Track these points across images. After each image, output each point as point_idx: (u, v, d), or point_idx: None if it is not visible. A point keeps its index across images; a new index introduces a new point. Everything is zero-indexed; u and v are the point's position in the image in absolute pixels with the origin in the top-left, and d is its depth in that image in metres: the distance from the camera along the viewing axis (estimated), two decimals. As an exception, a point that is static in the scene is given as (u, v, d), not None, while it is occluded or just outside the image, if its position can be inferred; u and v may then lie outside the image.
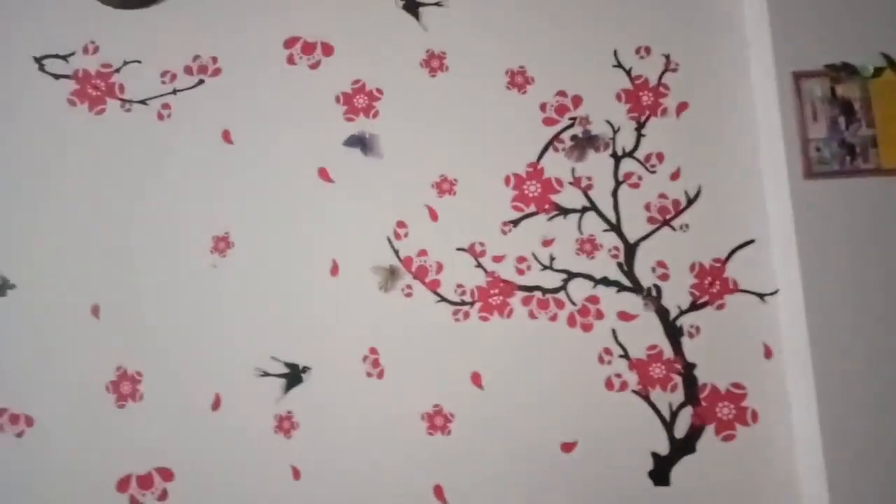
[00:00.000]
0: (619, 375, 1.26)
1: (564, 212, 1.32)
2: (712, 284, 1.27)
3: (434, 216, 1.34)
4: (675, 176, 1.31)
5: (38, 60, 1.46)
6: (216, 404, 1.33)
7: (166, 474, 1.32)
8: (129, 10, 1.45)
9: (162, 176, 1.40)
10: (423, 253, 1.33)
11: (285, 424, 1.31)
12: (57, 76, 1.45)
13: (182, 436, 1.32)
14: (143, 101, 1.43)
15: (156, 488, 1.32)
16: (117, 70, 1.44)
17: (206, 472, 1.31)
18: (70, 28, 1.46)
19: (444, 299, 1.32)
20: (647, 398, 1.25)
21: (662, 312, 1.27)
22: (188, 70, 1.43)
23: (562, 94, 1.35)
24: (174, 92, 1.42)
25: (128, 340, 1.36)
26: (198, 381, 1.33)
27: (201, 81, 1.42)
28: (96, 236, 1.40)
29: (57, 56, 1.45)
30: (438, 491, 1.26)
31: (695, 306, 1.27)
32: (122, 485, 1.32)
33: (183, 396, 1.33)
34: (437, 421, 1.28)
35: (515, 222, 1.33)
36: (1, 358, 1.38)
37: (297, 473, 1.29)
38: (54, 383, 1.37)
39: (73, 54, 1.45)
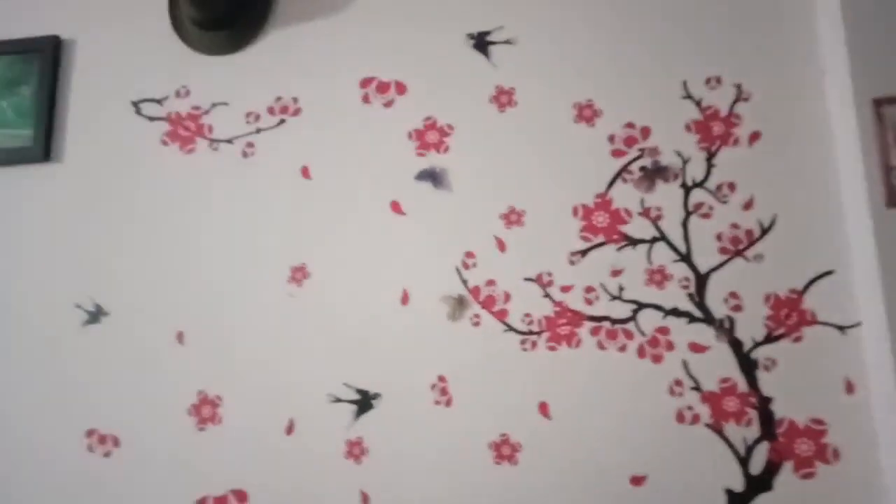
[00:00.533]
0: (690, 408, 1.23)
1: (633, 242, 1.32)
2: (789, 316, 1.23)
3: (502, 247, 1.36)
4: (747, 206, 1.29)
5: (136, 104, 1.58)
6: (290, 429, 1.37)
7: (241, 496, 1.36)
8: (218, 56, 1.56)
9: (245, 209, 1.48)
10: (491, 283, 1.35)
11: (356, 450, 1.33)
12: (152, 118, 1.56)
13: (257, 459, 1.37)
14: (229, 141, 1.52)
15: (231, 510, 1.36)
16: (206, 112, 1.54)
17: (279, 494, 1.35)
18: (164, 74, 1.58)
19: (511, 329, 1.33)
20: (720, 432, 1.22)
21: (736, 344, 1.24)
22: (271, 111, 1.51)
23: (630, 125, 1.36)
24: (258, 131, 1.51)
25: (210, 365, 1.43)
26: (273, 406, 1.38)
27: (283, 121, 1.51)
28: (184, 267, 1.48)
29: (152, 100, 1.57)
30: (506, 522, 1.26)
31: (770, 338, 1.23)
32: (200, 505, 1.37)
33: (259, 420, 1.38)
34: (505, 450, 1.28)
35: (584, 252, 1.33)
36: (93, 380, 1.47)
37: (366, 499, 1.31)
38: (140, 405, 1.44)
39: (166, 98, 1.56)
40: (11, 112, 1.58)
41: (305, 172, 1.47)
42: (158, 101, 1.57)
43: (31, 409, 1.49)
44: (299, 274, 1.43)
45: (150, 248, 1.50)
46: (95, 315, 1.50)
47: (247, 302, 1.44)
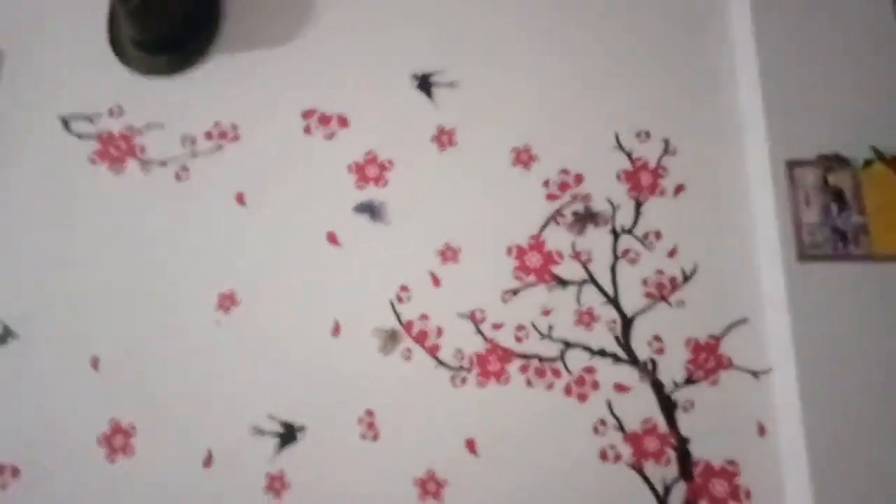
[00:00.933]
0: (613, 447, 1.26)
1: (564, 283, 1.35)
2: (707, 360, 1.28)
3: (437, 282, 1.38)
4: (672, 253, 1.35)
5: (65, 121, 1.53)
6: (208, 461, 1.32)
7: (152, 532, 1.29)
8: (156, 78, 1.54)
9: (175, 233, 1.44)
10: (424, 317, 1.36)
11: (276, 484, 1.29)
12: (81, 136, 1.52)
13: (172, 492, 1.31)
14: (162, 163, 1.49)
15: (139, 547, 1.29)
16: (140, 132, 1.51)
17: (193, 531, 1.28)
18: (97, 91, 1.54)
19: (442, 364, 1.33)
20: (640, 472, 1.24)
21: (658, 386, 1.28)
22: (208, 135, 1.50)
23: (564, 171, 1.41)
24: (193, 155, 1.49)
25: (125, 393, 1.37)
26: (192, 437, 1.33)
27: (220, 147, 1.49)
28: (104, 289, 1.43)
29: (83, 116, 1.53)
30: (428, 561, 1.24)
31: (690, 381, 1.28)
32: (106, 542, 1.29)
33: (175, 451, 1.33)
34: (430, 486, 1.27)
35: (516, 291, 1.36)
36: (-4, 407, 1.38)
37: (284, 536, 1.27)
38: (46, 433, 1.36)
39: (98, 115, 1.52)
40: (-72, 118, 1.50)
41: (240, 199, 1.46)
42: (90, 119, 1.52)
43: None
44: (227, 301, 1.40)
45: (69, 268, 1.44)
46: (2, 337, 1.42)
47: (170, 328, 1.39)
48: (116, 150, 1.50)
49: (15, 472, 1.35)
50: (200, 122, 1.50)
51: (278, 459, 1.30)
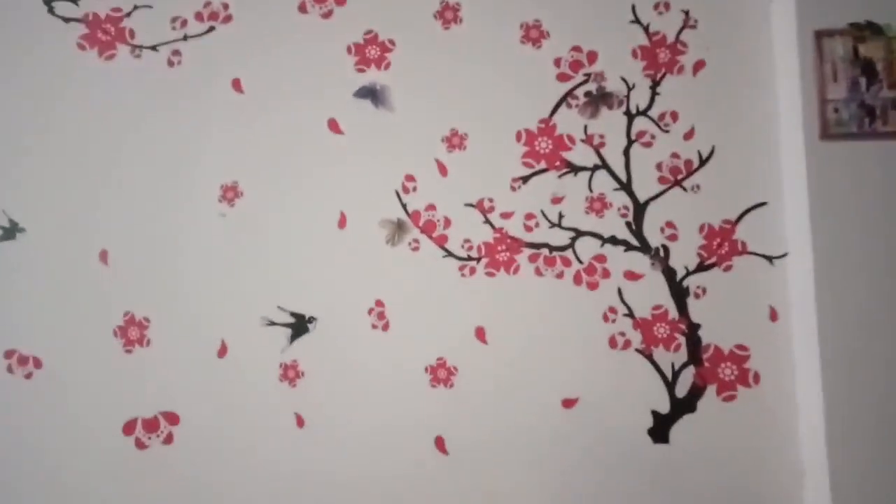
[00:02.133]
0: (622, 334, 1.26)
1: (575, 169, 1.31)
2: (721, 246, 1.26)
3: (443, 171, 1.33)
4: (688, 135, 1.29)
5: (48, 2, 1.44)
6: (223, 351, 1.34)
7: (172, 418, 1.34)
8: (140, -46, 1.43)
9: (171, 123, 1.39)
10: (431, 207, 1.33)
11: (290, 373, 1.32)
12: (67, 19, 1.43)
13: (188, 381, 1.34)
14: (153, 48, 1.41)
15: (161, 431, 1.34)
16: (128, 14, 1.42)
17: (212, 416, 1.33)
18: (80, -30, 1.44)
19: (450, 254, 1.32)
20: (650, 357, 1.25)
21: (669, 273, 1.27)
22: (199, 16, 1.41)
23: (577, 49, 1.33)
24: (185, 38, 1.41)
25: (136, 286, 1.37)
26: (205, 328, 1.35)
27: (212, 28, 1.41)
28: (105, 182, 1.40)
29: (67, -2, 1.44)
30: (440, 442, 1.28)
31: (702, 267, 1.26)
32: (128, 428, 1.34)
33: (190, 343, 1.35)
34: (441, 374, 1.29)
35: (525, 179, 1.32)
36: (10, 300, 1.40)
37: (300, 421, 1.31)
38: (63, 326, 1.38)
39: (83, -4, 1.43)
40: None
41: (237, 85, 1.39)
42: (74, 0, 1.43)
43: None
44: (231, 193, 1.37)
45: (69, 160, 1.41)
46: (10, 231, 1.41)
47: (175, 221, 1.37)
48: (104, 33, 1.42)
49: (38, 362, 1.38)
50: (190, 2, 1.41)
51: (291, 349, 1.32)
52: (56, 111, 1.42)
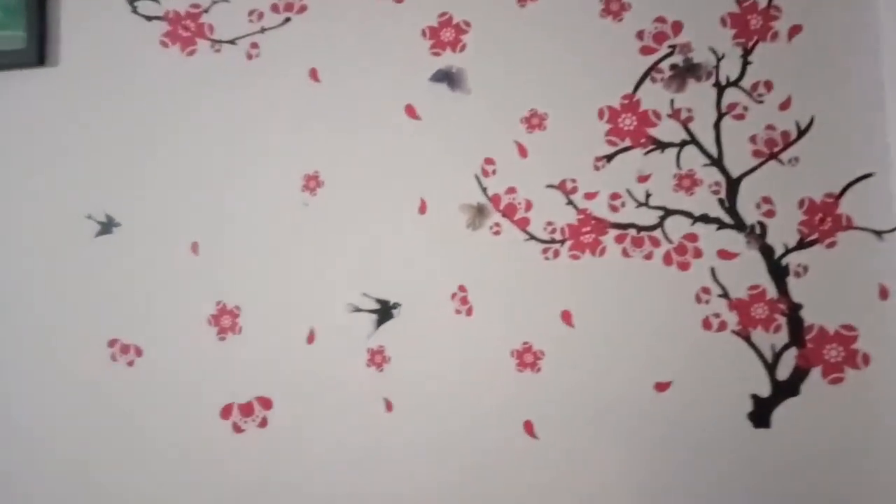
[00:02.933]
0: (717, 315, 1.22)
1: (662, 146, 1.26)
2: (823, 221, 1.19)
3: (523, 152, 1.31)
4: (784, 106, 1.22)
5: (131, 2, 1.48)
6: (311, 338, 1.36)
7: (266, 403, 1.38)
8: (216, -52, 1.45)
9: (253, 115, 1.41)
10: (511, 190, 1.31)
11: (377, 358, 1.34)
12: (149, 18, 1.47)
13: (280, 367, 1.38)
14: (231, 41, 1.43)
15: (256, 415, 1.38)
16: (206, 10, 1.45)
17: (304, 400, 1.36)
18: (160, -32, 1.47)
19: (533, 237, 1.29)
20: (747, 339, 1.20)
21: (766, 251, 1.21)
22: (275, 8, 1.42)
23: (660, 20, 1.27)
24: (262, 30, 1.42)
25: (226, 276, 1.41)
26: (293, 316, 1.37)
27: (288, 20, 1.41)
28: (193, 176, 1.44)
29: (149, -3, 1.47)
30: (528, 426, 1.27)
31: (803, 244, 1.19)
32: (226, 412, 1.39)
33: (280, 330, 1.38)
34: (527, 358, 1.28)
35: (609, 157, 1.28)
36: (110, 291, 1.46)
37: (389, 406, 1.33)
38: (160, 316, 1.44)
39: (164, -6, 1.47)
40: (1, 12, 1.48)
41: (314, 75, 1.40)
42: (155, -1, 1.47)
43: (51, 320, 1.48)
44: (312, 182, 1.38)
45: (156, 156, 1.45)
46: (107, 226, 1.47)
47: (260, 211, 1.40)
48: (185, 30, 1.45)
49: (138, 350, 1.45)
50: (266, -6, 1.42)
51: (377, 335, 1.34)
52: (143, 107, 1.46)
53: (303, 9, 1.40)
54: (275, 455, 1.37)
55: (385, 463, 1.32)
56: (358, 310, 1.35)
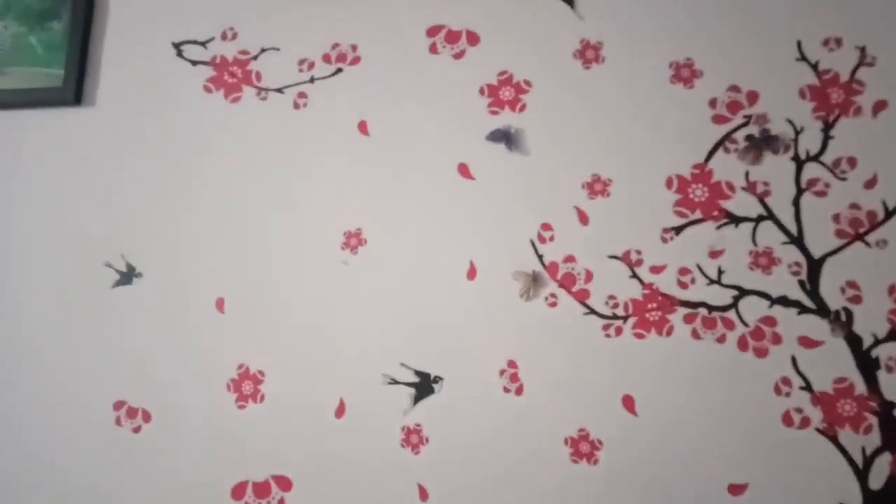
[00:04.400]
0: (799, 410, 1.09)
1: (736, 220, 1.17)
2: (916, 311, 1.08)
3: (584, 219, 1.22)
4: (870, 184, 1.13)
5: (177, 46, 1.43)
6: (340, 411, 1.24)
7: (284, 483, 1.24)
8: (269, -3, 1.41)
9: (295, 166, 1.34)
10: (570, 259, 1.21)
11: (413, 438, 1.20)
12: (195, 62, 1.42)
13: (303, 442, 1.24)
14: (279, 90, 1.37)
15: (272, 497, 1.24)
16: (255, 57, 1.40)
17: (327, 483, 1.22)
18: (209, 14, 1.43)
19: (593, 311, 1.19)
20: (834, 439, 1.07)
21: (854, 340, 1.09)
22: (326, 58, 1.36)
23: (734, 89, 1.20)
24: (311, 80, 1.36)
25: (252, 337, 1.30)
26: (322, 385, 1.25)
27: (339, 70, 1.36)
28: (226, 226, 1.35)
29: (195, 42, 1.42)
30: (582, 526, 1.12)
31: (894, 335, 1.08)
32: (238, 491, 1.25)
33: (306, 400, 1.26)
34: (583, 447, 1.15)
35: (678, 229, 1.18)
36: (122, 347, 1.35)
37: (424, 494, 1.18)
38: (174, 378, 1.32)
39: (211, 40, 1.42)
40: (41, 48, 1.43)
41: (363, 128, 1.33)
42: (202, 44, 1.42)
43: (54, 373, 1.37)
44: (354, 240, 1.29)
45: (190, 205, 1.37)
46: (128, 276, 1.37)
47: (295, 269, 1.30)
48: (231, 76, 1.39)
49: (147, 415, 1.32)
50: (318, 44, 1.37)
51: (414, 412, 1.21)
52: (179, 153, 1.39)
53: (356, 60, 1.35)
54: (289, 542, 1.22)
55: (414, 559, 1.17)
56: (395, 382, 1.23)
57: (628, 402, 1.15)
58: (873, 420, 1.07)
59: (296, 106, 1.36)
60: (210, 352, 1.31)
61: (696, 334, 1.14)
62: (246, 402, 1.28)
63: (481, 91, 1.30)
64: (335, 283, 1.28)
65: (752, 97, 1.20)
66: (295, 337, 1.28)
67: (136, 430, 1.31)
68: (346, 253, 1.29)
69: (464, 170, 1.27)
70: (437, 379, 1.21)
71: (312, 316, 1.28)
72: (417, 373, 1.22)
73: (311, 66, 1.37)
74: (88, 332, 1.37)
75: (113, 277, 1.38)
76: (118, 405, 1.33)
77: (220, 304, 1.32)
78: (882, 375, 1.08)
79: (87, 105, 1.43)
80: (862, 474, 1.05)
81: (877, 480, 1.05)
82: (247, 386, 1.28)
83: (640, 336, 1.16)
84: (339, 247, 1.29)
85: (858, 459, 1.06)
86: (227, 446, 1.27)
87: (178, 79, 1.41)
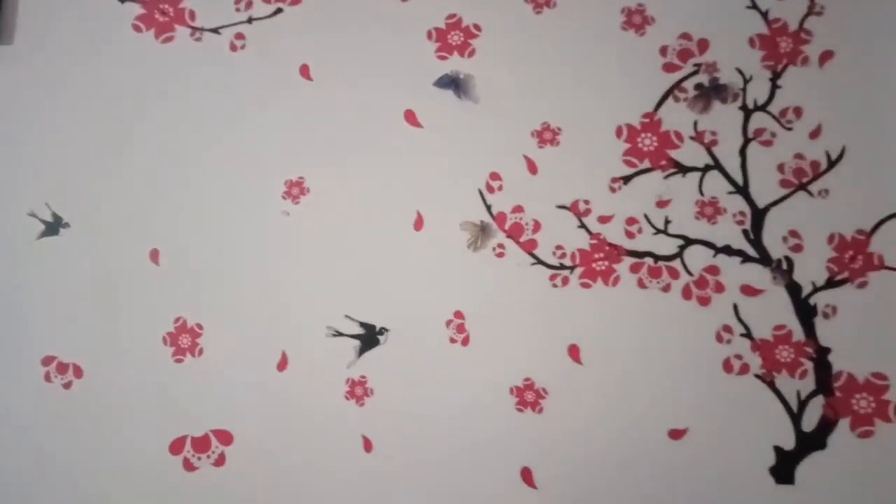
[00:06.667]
0: (739, 357, 1.11)
1: (683, 170, 1.17)
2: (853, 259, 1.10)
3: (533, 168, 1.20)
4: (815, 134, 1.14)
5: (103, -19, 1.33)
6: (282, 364, 1.21)
7: (225, 437, 1.21)
8: (203, -70, 1.32)
9: (233, 111, 1.27)
10: (518, 209, 1.19)
11: (358, 390, 1.18)
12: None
13: (244, 396, 1.21)
14: (215, 30, 1.30)
15: (212, 451, 1.21)
16: (188, -6, 1.31)
17: (269, 436, 1.20)
18: (138, -53, 1.34)
19: (540, 262, 1.18)
20: (771, 384, 1.10)
21: (793, 288, 1.11)
22: (265, -3, 1.29)
23: (686, 36, 1.19)
24: (249, 21, 1.29)
25: (189, 289, 1.25)
26: (264, 338, 1.22)
27: (279, 10, 1.29)
28: (160, 175, 1.28)
29: (123, -23, 1.33)
30: (527, 474, 1.13)
31: (832, 283, 1.11)
32: (176, 446, 1.22)
33: (246, 353, 1.22)
34: (528, 396, 1.15)
35: (626, 179, 1.18)
36: (49, 301, 1.28)
37: (368, 445, 1.17)
38: (107, 332, 1.26)
39: (140, -25, 1.33)
40: (-51, -21, 1.32)
41: (305, 72, 1.27)
42: (130, -21, 1.33)
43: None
44: (296, 189, 1.24)
45: (121, 150, 1.29)
46: (54, 226, 1.30)
47: (234, 219, 1.25)
48: (162, 14, 1.31)
49: (78, 370, 1.26)
50: (256, -18, 1.30)
51: (359, 364, 1.19)
52: (106, 96, 1.31)
53: (297, 0, 1.28)
54: (231, 498, 1.19)
55: (359, 510, 1.16)
56: (339, 334, 1.20)
57: (574, 352, 1.15)
58: (809, 365, 1.09)
59: (233, 48, 1.29)
60: (144, 305, 1.25)
61: (641, 283, 1.15)
62: (183, 355, 1.23)
63: (429, 35, 1.25)
64: (276, 233, 1.24)
65: (703, 45, 1.19)
66: (234, 289, 1.23)
67: (67, 385, 1.26)
68: (288, 203, 1.24)
69: (410, 117, 1.23)
70: (383, 330, 1.19)
71: (253, 267, 1.23)
72: (362, 324, 1.20)
73: (249, 4, 1.29)
74: (13, 287, 1.30)
75: (38, 228, 1.30)
76: (47, 360, 1.27)
77: (154, 255, 1.26)
78: (819, 322, 1.10)
79: (4, 43, 1.33)
80: (796, 417, 1.09)
81: (810, 423, 1.08)
82: (184, 339, 1.23)
83: (586, 286, 1.16)
84: (281, 196, 1.24)
85: (794, 403, 1.09)
86: (164, 400, 1.23)
87: (104, 16, 1.32)
